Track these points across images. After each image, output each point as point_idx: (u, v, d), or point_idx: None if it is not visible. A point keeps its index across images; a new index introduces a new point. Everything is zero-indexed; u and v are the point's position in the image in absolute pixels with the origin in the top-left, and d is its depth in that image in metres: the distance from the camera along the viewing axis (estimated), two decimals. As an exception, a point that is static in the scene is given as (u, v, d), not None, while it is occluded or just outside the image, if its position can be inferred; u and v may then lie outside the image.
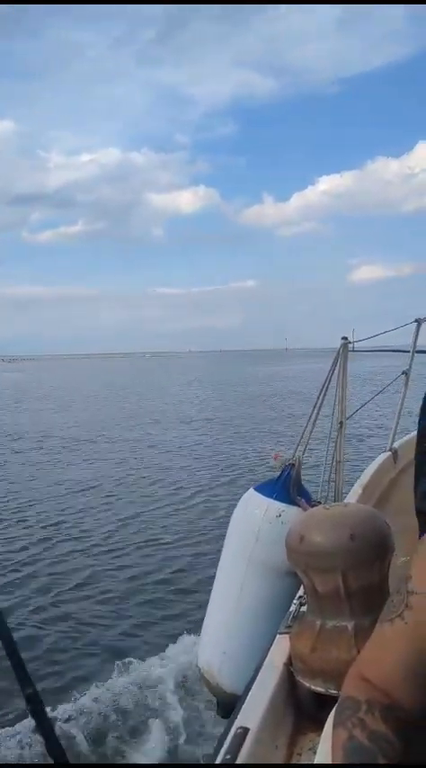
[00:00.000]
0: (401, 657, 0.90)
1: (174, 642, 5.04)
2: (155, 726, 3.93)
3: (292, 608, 1.89)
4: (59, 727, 3.76)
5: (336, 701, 1.12)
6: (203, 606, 3.45)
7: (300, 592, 1.87)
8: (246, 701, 1.55)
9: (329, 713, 1.12)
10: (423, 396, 1.68)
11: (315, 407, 3.65)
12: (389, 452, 4.46)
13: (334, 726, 0.90)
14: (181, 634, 5.16)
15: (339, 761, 0.85)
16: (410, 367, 4.58)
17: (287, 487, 3.12)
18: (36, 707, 0.81)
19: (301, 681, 1.66)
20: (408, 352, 4.64)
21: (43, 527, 8.88)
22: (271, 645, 1.82)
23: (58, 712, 3.98)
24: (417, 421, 1.77)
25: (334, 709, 0.94)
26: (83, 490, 11.29)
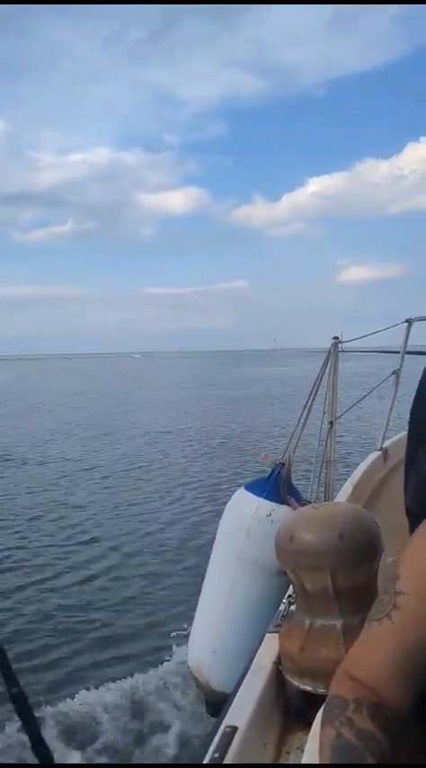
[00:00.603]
0: (389, 656, 0.91)
1: (163, 641, 5.04)
2: (144, 725, 3.93)
3: (281, 607, 1.89)
4: (45, 727, 3.75)
5: (325, 699, 1.12)
6: (193, 605, 3.45)
7: (289, 591, 1.87)
8: (235, 699, 1.56)
9: (317, 712, 1.12)
10: (416, 391, 1.68)
11: (305, 407, 3.66)
12: (379, 452, 4.47)
13: (322, 724, 0.91)
14: (170, 633, 5.16)
15: (326, 759, 0.85)
16: (400, 367, 4.59)
17: (277, 487, 3.13)
18: (22, 706, 0.81)
19: (290, 680, 1.66)
20: (398, 352, 4.65)
21: (28, 527, 8.87)
22: (261, 644, 1.82)
23: (45, 712, 3.97)
24: (408, 420, 1.77)
25: (322, 707, 0.94)
26: (72, 489, 11.28)
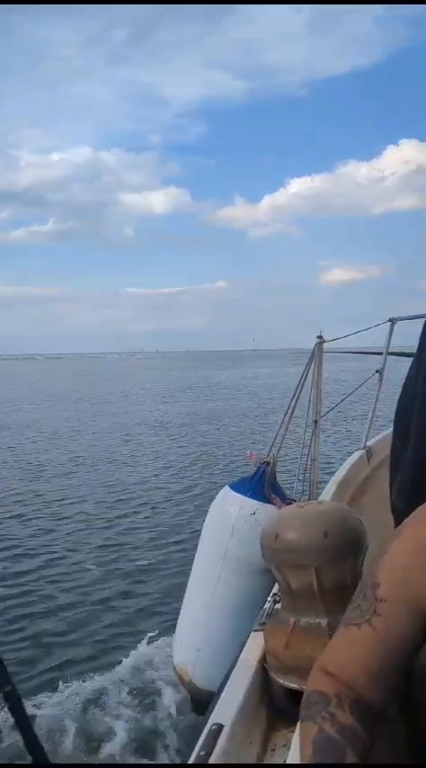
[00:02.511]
0: (368, 660, 0.92)
1: (150, 640, 5.03)
2: (130, 723, 3.92)
3: (266, 605, 1.90)
4: (38, 725, 3.74)
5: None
6: (178, 604, 3.45)
7: (274, 589, 1.88)
8: (221, 698, 1.56)
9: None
10: (401, 391, 1.69)
11: (289, 406, 3.68)
12: (363, 450, 4.50)
13: (302, 719, 0.91)
14: (156, 631, 5.15)
15: (308, 755, 0.86)
16: (383, 366, 4.61)
17: (261, 485, 3.14)
18: (14, 704, 0.80)
19: (275, 677, 1.67)
20: (381, 354, 4.67)
21: (16, 527, 8.82)
22: (246, 642, 1.83)
23: (37, 709, 3.96)
24: (393, 418, 1.78)
25: (302, 702, 0.94)
26: (59, 491, 11.23)
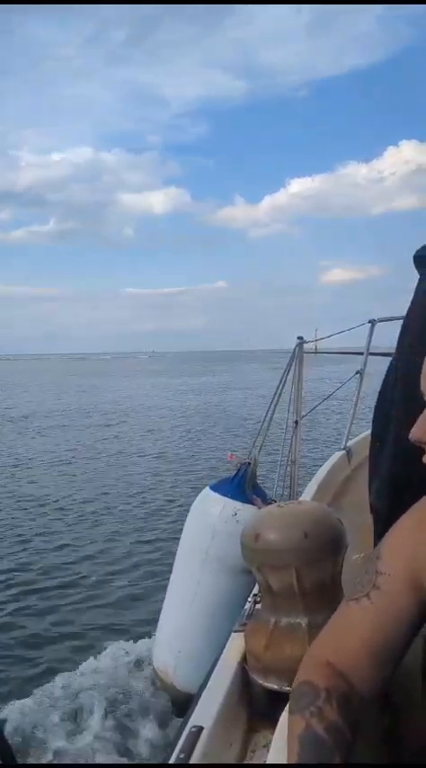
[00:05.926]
0: (365, 637, 0.90)
1: (129, 642, 5.01)
2: (107, 726, 3.89)
3: (247, 606, 1.89)
4: (10, 726, 3.71)
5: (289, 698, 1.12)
6: (158, 606, 3.44)
7: (255, 590, 1.88)
8: (200, 699, 1.55)
9: (282, 710, 1.13)
10: (379, 391, 1.70)
11: (270, 407, 3.69)
12: (343, 451, 4.52)
13: (291, 712, 0.90)
14: (136, 634, 5.13)
15: (294, 751, 0.85)
16: (364, 367, 4.63)
17: (242, 486, 3.15)
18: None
19: (255, 678, 1.67)
20: (362, 354, 4.70)
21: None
22: (226, 643, 1.82)
23: (5, 711, 3.92)
24: (371, 420, 1.79)
25: (291, 693, 0.93)
26: (48, 491, 11.15)
